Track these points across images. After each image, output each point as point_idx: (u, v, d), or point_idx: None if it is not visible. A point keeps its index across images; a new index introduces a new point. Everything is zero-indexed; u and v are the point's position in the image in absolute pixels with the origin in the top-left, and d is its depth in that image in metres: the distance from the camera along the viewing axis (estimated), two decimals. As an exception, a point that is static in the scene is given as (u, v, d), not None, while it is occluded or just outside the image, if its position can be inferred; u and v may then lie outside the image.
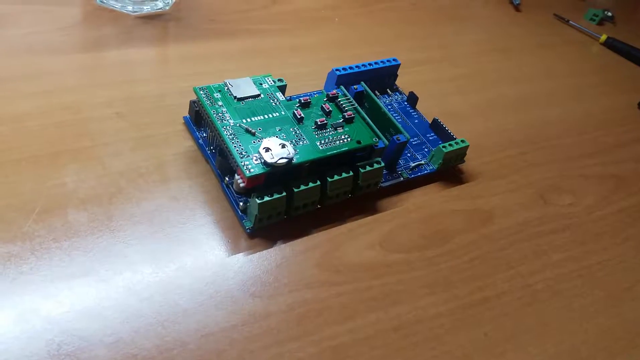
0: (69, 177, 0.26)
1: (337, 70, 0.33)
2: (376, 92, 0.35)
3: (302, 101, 0.29)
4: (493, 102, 0.39)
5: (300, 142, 0.27)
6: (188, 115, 0.30)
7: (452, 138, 0.33)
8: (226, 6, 0.40)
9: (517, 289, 0.28)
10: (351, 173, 0.27)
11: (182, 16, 0.37)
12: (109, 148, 0.28)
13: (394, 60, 0.35)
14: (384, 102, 0.35)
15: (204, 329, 0.22)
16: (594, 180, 0.36)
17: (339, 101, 0.29)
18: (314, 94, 0.33)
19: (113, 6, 0.35)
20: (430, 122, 0.34)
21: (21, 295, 0.21)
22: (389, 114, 0.31)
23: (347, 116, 0.29)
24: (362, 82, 0.32)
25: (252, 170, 0.25)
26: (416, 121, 0.34)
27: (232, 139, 0.26)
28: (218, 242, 0.25)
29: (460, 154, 0.32)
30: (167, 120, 0.30)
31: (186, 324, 0.22)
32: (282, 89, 0.30)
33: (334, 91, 0.29)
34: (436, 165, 0.32)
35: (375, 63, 0.34)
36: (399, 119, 0.34)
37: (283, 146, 0.26)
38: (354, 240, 0.27)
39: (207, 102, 0.27)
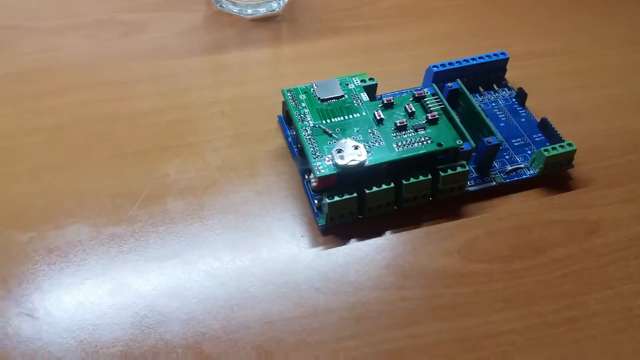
0: (172, 169, 0.29)
1: (434, 66, 0.32)
2: (480, 88, 0.33)
3: (385, 102, 0.28)
4: (619, 99, 0.35)
5: (376, 144, 0.27)
6: (282, 115, 0.32)
7: (560, 140, 0.30)
8: (335, 4, 0.40)
9: (613, 312, 0.25)
10: (429, 176, 0.27)
11: (293, 17, 0.39)
12: (210, 144, 0.31)
13: (501, 54, 0.33)
14: (489, 99, 0.33)
15: (268, 316, 0.24)
16: None
17: (425, 101, 0.29)
18: (404, 92, 0.33)
19: (231, 10, 0.39)
20: (538, 122, 0.32)
21: (119, 271, 0.25)
22: (483, 114, 0.29)
23: (430, 117, 0.28)
24: (458, 80, 0.31)
25: (322, 170, 0.25)
26: (523, 120, 0.32)
27: (309, 139, 0.27)
28: (292, 236, 0.27)
29: (566, 159, 0.29)
30: (265, 118, 0.32)
31: (253, 309, 0.24)
32: (373, 88, 0.30)
33: (421, 91, 0.29)
34: (537, 170, 0.29)
35: (480, 58, 0.33)
36: (503, 117, 0.32)
37: (356, 148, 0.26)
38: (430, 245, 0.27)
39: (291, 103, 0.28)
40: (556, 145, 0.29)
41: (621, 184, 0.30)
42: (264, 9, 0.39)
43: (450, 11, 0.41)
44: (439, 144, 0.27)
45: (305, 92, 0.29)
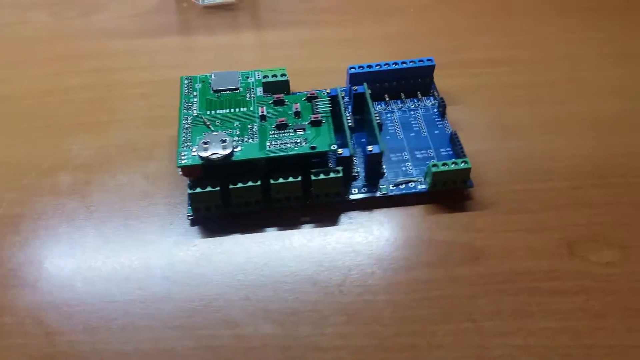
0: (76, 144, 0.31)
1: (351, 67, 0.31)
2: (402, 95, 0.32)
3: (276, 99, 0.28)
4: (572, 118, 0.32)
5: (250, 140, 0.26)
6: (193, 102, 0.32)
7: (462, 156, 0.28)
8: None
9: (463, 348, 0.23)
10: (299, 178, 0.26)
11: (247, 7, 0.39)
12: (120, 124, 0.32)
13: (428, 60, 0.31)
14: (409, 107, 0.31)
15: (109, 295, 0.25)
16: (670, 241, 0.26)
17: (316, 102, 0.28)
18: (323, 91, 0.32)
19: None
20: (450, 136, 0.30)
21: None
22: (374, 121, 0.28)
23: (312, 119, 0.27)
24: (365, 84, 0.29)
25: (184, 160, 0.26)
26: (437, 132, 0.30)
27: (187, 128, 0.27)
28: (161, 223, 0.27)
29: (460, 177, 0.27)
30: (181, 104, 0.33)
31: (96, 286, 0.25)
32: (284, 84, 0.30)
33: (314, 91, 0.28)
34: (428, 185, 0.28)
35: (403, 62, 0.31)
36: (416, 127, 0.30)
37: (224, 141, 0.26)
38: (282, 245, 0.26)
39: (184, 91, 0.29)
40: (448, 162, 0.27)
41: (530, 211, 0.27)
42: (220, -2, 0.39)
43: (413, 10, 0.39)
44: (312, 147, 0.26)
45: (203, 81, 0.29)
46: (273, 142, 0.26)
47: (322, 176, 0.26)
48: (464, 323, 0.24)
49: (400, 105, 0.32)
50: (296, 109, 0.27)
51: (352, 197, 0.27)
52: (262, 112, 0.27)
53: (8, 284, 0.25)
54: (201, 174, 0.26)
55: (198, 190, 0.26)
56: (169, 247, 0.27)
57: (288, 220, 0.27)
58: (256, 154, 0.26)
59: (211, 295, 0.25)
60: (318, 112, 0.27)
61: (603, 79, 0.34)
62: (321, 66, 0.35)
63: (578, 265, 0.26)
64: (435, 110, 0.31)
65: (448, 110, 0.32)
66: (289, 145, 0.26)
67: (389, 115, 0.31)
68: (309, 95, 0.28)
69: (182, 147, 0.26)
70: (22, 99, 0.33)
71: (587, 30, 0.37)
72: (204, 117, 0.27)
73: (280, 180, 0.26)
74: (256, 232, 0.27)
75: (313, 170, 0.26)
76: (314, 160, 0.27)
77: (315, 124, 0.27)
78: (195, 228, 0.27)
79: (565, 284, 0.25)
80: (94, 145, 0.31)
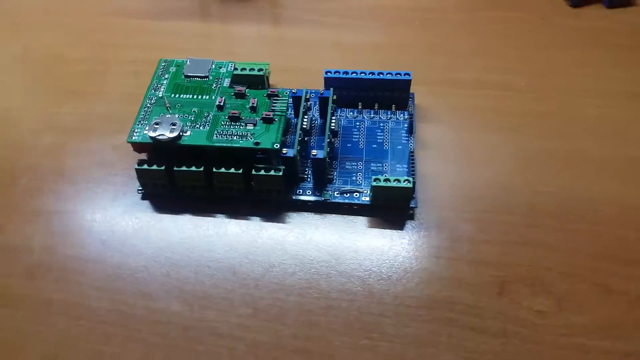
0: (64, 108, 0.33)
1: (327, 72, 0.31)
2: (376, 105, 0.32)
3: (237, 91, 0.29)
4: (549, 154, 0.30)
5: (201, 128, 0.27)
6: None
7: (411, 175, 0.27)
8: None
9: (344, 361, 0.23)
10: (240, 171, 0.27)
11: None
12: (106, 96, 0.34)
13: (405, 74, 0.31)
14: (381, 118, 0.31)
15: (45, 242, 0.27)
16: (612, 298, 0.25)
17: (274, 100, 0.28)
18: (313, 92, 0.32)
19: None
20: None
21: None
22: (328, 127, 0.28)
23: (264, 115, 0.28)
24: (331, 89, 0.30)
25: (134, 137, 0.27)
26: (399, 147, 0.30)
27: (147, 107, 0.28)
28: (114, 193, 0.29)
29: (401, 195, 0.27)
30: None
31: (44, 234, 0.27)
32: (259, 78, 0.31)
33: (275, 89, 0.29)
34: (368, 198, 0.27)
35: (380, 73, 0.31)
36: (380, 139, 0.30)
37: (174, 125, 0.27)
38: (216, 232, 0.27)
39: (157, 72, 0.30)
40: (391, 178, 0.27)
41: (470, 242, 0.27)
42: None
43: (418, 23, 0.38)
44: (256, 143, 0.27)
45: (178, 66, 0.30)
46: (221, 133, 0.27)
47: (262, 172, 0.27)
48: (362, 340, 0.24)
49: (371, 115, 0.31)
50: (253, 103, 0.28)
51: (295, 197, 0.28)
52: (220, 102, 0.28)
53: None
54: (151, 153, 0.28)
55: (145, 167, 0.27)
56: (115, 215, 0.28)
57: (229, 209, 0.28)
58: (202, 141, 0.27)
59: (138, 266, 0.26)
60: (272, 110, 0.28)
61: (594, 117, 0.32)
62: (315, 67, 0.35)
63: (506, 306, 0.25)
64: (406, 125, 0.31)
65: (423, 127, 0.31)
66: (234, 138, 0.27)
67: (357, 123, 0.31)
68: (269, 92, 0.29)
69: (137, 125, 0.28)
70: (30, 61, 0.36)
71: (596, 66, 0.35)
72: (166, 99, 0.29)
73: (222, 169, 0.27)
74: (196, 216, 0.28)
75: (255, 166, 0.27)
76: (258, 156, 0.27)
77: (267, 121, 0.28)
78: (144, 202, 0.29)
79: (484, 323, 0.24)
80: (77, 111, 0.33)
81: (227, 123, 0.28)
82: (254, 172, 0.27)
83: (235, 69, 0.31)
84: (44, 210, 0.28)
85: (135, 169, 0.27)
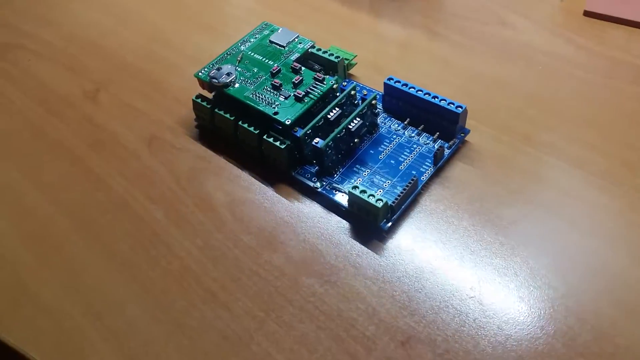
0: (196, 38, 0.40)
1: (389, 79, 0.31)
2: (422, 125, 0.31)
3: (294, 67, 0.31)
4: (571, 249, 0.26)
5: (248, 85, 0.31)
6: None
7: (393, 198, 0.27)
8: (458, 7, 0.40)
9: (210, 329, 0.25)
10: (257, 131, 0.30)
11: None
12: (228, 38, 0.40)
13: (458, 107, 0.29)
14: (417, 140, 0.31)
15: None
16: None
17: (316, 84, 0.30)
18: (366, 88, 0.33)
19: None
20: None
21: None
22: (345, 124, 0.29)
23: (296, 93, 0.30)
24: (378, 93, 0.30)
25: (200, 73, 0.32)
26: (414, 172, 0.29)
27: (227, 55, 0.33)
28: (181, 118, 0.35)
29: (372, 212, 0.27)
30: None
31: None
32: (331, 64, 0.33)
33: (320, 75, 0.30)
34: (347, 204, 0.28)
35: (435, 97, 0.30)
36: (403, 158, 0.30)
37: (229, 74, 0.31)
38: (208, 180, 0.31)
39: (254, 31, 0.35)
40: (368, 191, 0.27)
41: (412, 289, 0.26)
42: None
43: (541, 68, 0.35)
44: (275, 113, 0.29)
45: (272, 31, 0.34)
46: (258, 95, 0.31)
47: (270, 139, 0.29)
48: (259, 312, 0.26)
49: (412, 134, 0.31)
50: (297, 80, 0.31)
51: (295, 174, 0.30)
52: (275, 69, 0.31)
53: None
54: (210, 90, 0.33)
55: (198, 100, 0.32)
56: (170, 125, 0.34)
57: (242, 159, 0.32)
58: (239, 95, 0.31)
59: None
60: (307, 91, 0.30)
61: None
62: (406, 74, 0.35)
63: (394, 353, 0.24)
64: (429, 153, 0.30)
65: (455, 166, 0.30)
66: (263, 103, 0.30)
67: (394, 136, 0.31)
68: (315, 75, 0.31)
69: (210, 65, 0.33)
70: (138, 29, 0.44)
71: None
72: (242, 54, 0.33)
73: (245, 125, 0.30)
74: (210, 152, 0.32)
75: (271, 132, 0.30)
76: (277, 126, 0.30)
77: (298, 99, 0.30)
78: (195, 131, 0.34)
79: (374, 350, 0.24)
80: (210, 46, 0.40)
81: (269, 88, 0.31)
82: (264, 136, 0.30)
83: (313, 47, 0.33)
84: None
85: (192, 99, 0.32)
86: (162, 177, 0.31)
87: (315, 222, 0.29)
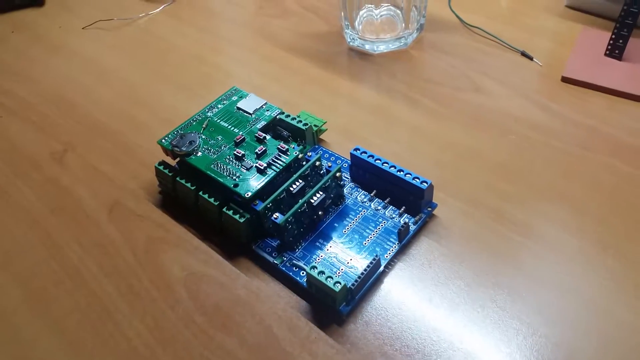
0: (171, 100, 0.40)
1: (356, 149, 0.31)
2: (388, 198, 0.30)
3: (258, 136, 0.31)
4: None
5: (211, 154, 0.30)
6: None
7: (352, 281, 0.26)
8: (434, 72, 0.39)
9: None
10: (217, 203, 0.29)
11: (390, 67, 0.41)
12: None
13: (423, 182, 0.28)
14: (383, 214, 0.29)
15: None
16: None
17: (280, 155, 0.29)
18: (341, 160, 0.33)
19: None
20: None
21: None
22: (306, 199, 0.28)
23: (257, 165, 0.29)
24: (345, 162, 0.29)
25: (164, 140, 0.31)
26: (378, 249, 0.28)
27: (192, 121, 0.33)
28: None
29: (330, 296, 0.26)
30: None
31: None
32: (299, 132, 0.32)
33: (284, 146, 0.30)
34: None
35: (400, 171, 0.29)
36: (367, 232, 0.29)
37: (191, 143, 0.31)
38: (165, 252, 0.30)
39: (222, 96, 0.34)
40: (327, 274, 0.25)
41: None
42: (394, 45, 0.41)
43: (514, 137, 0.34)
44: (235, 185, 0.29)
45: (240, 97, 0.34)
46: (219, 165, 0.30)
47: (229, 211, 0.28)
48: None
49: (378, 207, 0.30)
50: (260, 150, 0.30)
51: (255, 249, 0.29)
52: (238, 139, 0.31)
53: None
54: (174, 157, 0.32)
55: (161, 167, 0.31)
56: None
57: (203, 229, 0.31)
58: (200, 165, 0.30)
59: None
60: (270, 162, 0.29)
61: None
62: (375, 142, 0.35)
63: None
64: (393, 229, 0.29)
65: (422, 242, 0.29)
66: (224, 173, 0.29)
67: (360, 208, 0.30)
68: (279, 147, 0.30)
69: (174, 132, 0.32)
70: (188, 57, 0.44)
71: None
72: (207, 121, 0.32)
73: (205, 195, 0.29)
74: (171, 220, 0.31)
75: (231, 205, 0.29)
76: (237, 198, 0.29)
77: (259, 171, 0.29)
78: (158, 197, 0.33)
79: None
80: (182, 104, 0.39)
81: (231, 159, 0.30)
82: (224, 209, 0.29)
83: (282, 113, 0.33)
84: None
85: (155, 166, 0.32)
86: (119, 247, 0.30)
87: (273, 302, 0.27)
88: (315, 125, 0.34)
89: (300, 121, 0.32)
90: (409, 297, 0.27)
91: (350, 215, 0.30)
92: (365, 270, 0.26)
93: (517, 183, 0.31)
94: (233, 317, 0.27)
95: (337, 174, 0.29)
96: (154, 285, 0.28)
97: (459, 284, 0.27)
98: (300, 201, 0.28)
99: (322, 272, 0.26)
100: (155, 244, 0.30)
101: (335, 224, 0.29)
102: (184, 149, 0.30)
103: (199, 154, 0.31)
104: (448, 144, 0.34)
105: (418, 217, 0.29)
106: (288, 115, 0.33)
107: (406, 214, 0.29)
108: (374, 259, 0.27)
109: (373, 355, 0.25)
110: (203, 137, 0.31)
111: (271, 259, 0.28)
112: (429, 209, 0.30)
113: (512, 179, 0.32)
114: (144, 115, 0.39)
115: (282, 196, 0.29)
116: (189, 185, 0.30)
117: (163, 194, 0.33)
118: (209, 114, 0.33)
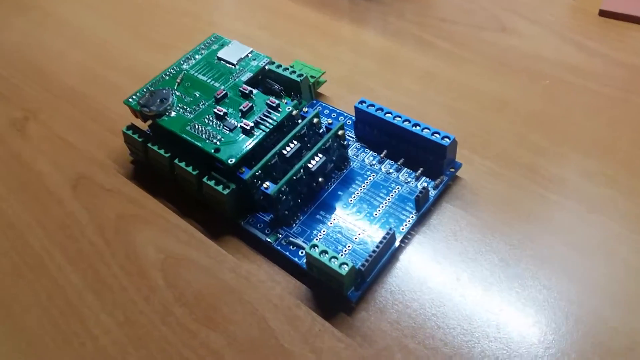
0: (147, 57, 0.34)
1: (362, 102, 0.25)
2: (401, 159, 0.25)
3: (243, 90, 0.26)
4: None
5: (187, 114, 0.25)
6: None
7: (363, 260, 0.21)
8: (441, 11, 0.34)
9: None
10: (195, 172, 0.24)
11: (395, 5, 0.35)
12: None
13: (444, 137, 0.23)
14: (396, 177, 0.25)
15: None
16: None
17: (269, 112, 0.24)
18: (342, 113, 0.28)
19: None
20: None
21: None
22: (294, 170, 0.23)
23: (242, 124, 0.24)
24: (349, 118, 0.24)
25: (131, 100, 0.26)
26: (391, 220, 0.23)
27: (165, 76, 0.27)
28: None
29: (333, 278, 0.21)
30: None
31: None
32: (293, 83, 0.27)
33: (274, 101, 0.25)
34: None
35: (416, 125, 0.24)
36: (377, 202, 0.24)
37: (164, 101, 0.26)
38: (143, 229, 0.25)
39: (200, 46, 0.29)
40: (331, 254, 0.21)
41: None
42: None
43: (548, 82, 0.29)
44: (216, 150, 0.24)
45: (222, 45, 0.28)
46: (197, 126, 0.25)
47: (210, 181, 0.23)
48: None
49: (390, 169, 0.25)
50: (245, 107, 0.25)
51: (244, 225, 0.24)
52: (219, 94, 0.26)
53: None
54: (144, 120, 0.27)
55: (130, 132, 0.26)
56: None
57: (182, 202, 0.26)
58: (174, 127, 0.25)
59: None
60: (258, 121, 0.24)
61: None
62: (382, 93, 0.30)
63: None
64: (414, 199, 0.24)
65: (445, 210, 0.24)
66: (203, 136, 0.24)
67: (368, 172, 0.25)
68: (269, 102, 0.25)
69: (143, 90, 0.27)
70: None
71: None
72: (182, 75, 0.27)
73: (182, 163, 0.24)
74: (145, 194, 0.27)
75: (213, 173, 0.24)
76: (219, 166, 0.24)
77: (245, 131, 0.24)
78: (130, 167, 0.28)
79: None
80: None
81: (210, 118, 0.25)
82: (204, 179, 0.24)
83: (271, 63, 0.27)
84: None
85: (122, 131, 0.27)
86: (84, 228, 0.26)
87: (267, 289, 0.23)
88: (312, 76, 0.28)
89: (294, 72, 0.27)
90: (431, 277, 0.22)
91: (356, 182, 0.25)
92: (377, 247, 0.21)
93: (554, 136, 0.26)
94: (219, 307, 0.22)
95: (340, 133, 0.24)
96: (125, 272, 0.24)
97: (492, 259, 0.22)
98: (296, 166, 0.23)
99: (324, 252, 0.21)
100: (126, 223, 0.26)
101: (339, 192, 0.25)
102: (154, 109, 0.25)
103: (173, 114, 0.26)
104: (469, 93, 0.29)
105: (439, 180, 0.24)
106: (279, 66, 0.27)
107: (424, 177, 0.24)
108: (387, 233, 0.22)
109: (390, 350, 0.20)
110: (177, 93, 0.26)
111: (263, 237, 0.23)
112: (452, 169, 0.25)
113: (547, 132, 0.27)
114: (117, 77, 0.33)
115: (273, 161, 0.24)
116: (162, 152, 0.25)
117: (135, 164, 0.28)
118: (184, 66, 0.28)
